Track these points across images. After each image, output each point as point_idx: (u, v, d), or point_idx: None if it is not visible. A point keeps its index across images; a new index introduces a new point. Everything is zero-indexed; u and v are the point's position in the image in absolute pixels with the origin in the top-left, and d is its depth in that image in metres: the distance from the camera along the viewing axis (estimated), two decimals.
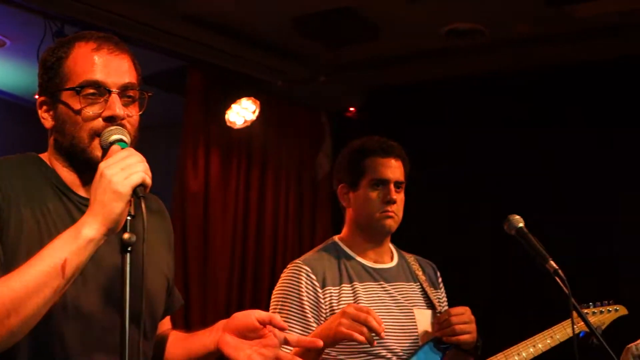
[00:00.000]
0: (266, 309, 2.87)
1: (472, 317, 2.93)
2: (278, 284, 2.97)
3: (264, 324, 2.07)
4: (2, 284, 1.74)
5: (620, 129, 5.37)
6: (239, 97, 5.62)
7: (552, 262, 2.58)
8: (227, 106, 5.62)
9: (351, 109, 6.38)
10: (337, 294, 2.90)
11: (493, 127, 5.77)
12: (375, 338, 2.66)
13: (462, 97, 5.85)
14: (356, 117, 6.37)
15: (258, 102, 5.67)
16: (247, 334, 2.07)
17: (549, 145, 5.61)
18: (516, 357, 3.02)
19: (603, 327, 3.27)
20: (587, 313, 3.21)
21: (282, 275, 2.99)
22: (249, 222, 5.97)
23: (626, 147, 5.39)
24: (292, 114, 6.22)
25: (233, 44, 5.55)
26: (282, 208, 6.16)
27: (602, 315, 3.27)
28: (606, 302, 3.32)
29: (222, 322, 2.14)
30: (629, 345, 3.61)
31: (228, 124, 5.66)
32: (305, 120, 6.30)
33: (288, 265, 3.01)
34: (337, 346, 2.79)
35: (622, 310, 3.32)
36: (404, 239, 3.26)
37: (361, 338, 2.59)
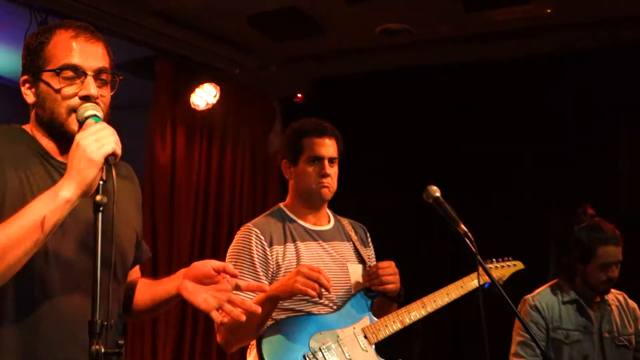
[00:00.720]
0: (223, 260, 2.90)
1: (396, 270, 3.00)
2: (232, 244, 3.02)
3: (218, 271, 2.09)
4: None
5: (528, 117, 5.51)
6: (202, 82, 5.62)
7: (462, 226, 2.63)
8: (192, 90, 5.62)
9: (299, 95, 6.44)
10: (282, 252, 2.95)
11: (418, 113, 5.85)
12: (324, 293, 2.76)
13: (393, 88, 5.90)
14: (303, 103, 6.41)
15: (218, 88, 5.67)
16: (204, 280, 2.09)
17: (464, 130, 5.75)
18: (433, 304, 3.04)
19: (504, 279, 3.33)
20: (490, 267, 3.27)
21: (236, 236, 3.03)
22: (210, 191, 5.98)
23: (525, 135, 5.53)
24: (248, 99, 6.22)
25: (197, 38, 5.52)
26: (239, 179, 6.17)
27: (503, 270, 3.34)
28: (507, 258, 3.40)
29: (182, 271, 2.16)
30: (526, 297, 3.69)
31: (192, 106, 5.66)
32: (259, 105, 6.32)
33: (241, 228, 3.05)
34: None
35: (520, 265, 3.41)
36: (341, 206, 3.32)
37: (313, 293, 2.68)
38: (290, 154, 3.10)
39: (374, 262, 3.21)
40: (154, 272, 5.11)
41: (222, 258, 3.05)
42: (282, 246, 2.97)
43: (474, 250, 2.61)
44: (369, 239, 3.30)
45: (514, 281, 3.45)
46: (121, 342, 1.71)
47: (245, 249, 2.94)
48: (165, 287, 2.19)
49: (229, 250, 3.02)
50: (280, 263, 2.94)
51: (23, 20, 4.62)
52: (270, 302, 2.74)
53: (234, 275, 2.12)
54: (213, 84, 5.67)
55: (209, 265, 2.10)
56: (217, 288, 2.10)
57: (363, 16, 5.15)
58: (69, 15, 4.63)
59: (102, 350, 1.65)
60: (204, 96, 5.68)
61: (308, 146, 3.04)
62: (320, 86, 6.35)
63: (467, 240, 2.61)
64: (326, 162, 3.04)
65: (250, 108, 6.23)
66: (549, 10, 5.00)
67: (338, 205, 3.30)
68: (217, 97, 5.71)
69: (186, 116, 5.80)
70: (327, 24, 5.31)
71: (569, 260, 3.67)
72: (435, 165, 5.59)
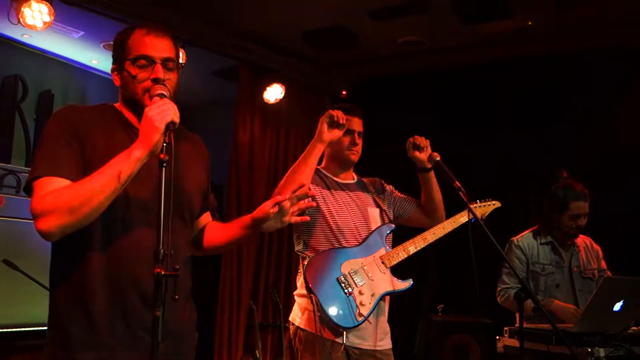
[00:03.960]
0: None
1: (427, 142, 2.90)
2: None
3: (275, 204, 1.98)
4: (79, 184, 1.69)
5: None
6: (271, 83, 5.53)
7: (457, 183, 2.55)
8: (264, 89, 5.54)
9: (343, 92, 6.27)
10: (327, 192, 2.88)
11: (432, 107, 5.57)
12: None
13: (413, 87, 5.68)
14: (346, 98, 6.27)
15: (284, 87, 5.58)
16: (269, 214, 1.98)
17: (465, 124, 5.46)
18: (432, 236, 2.90)
19: (486, 215, 3.12)
20: (475, 206, 3.09)
21: None
22: (278, 163, 5.87)
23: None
24: (305, 95, 6.12)
25: (266, 50, 5.50)
26: (299, 153, 5.97)
27: (485, 208, 3.13)
28: (488, 199, 3.17)
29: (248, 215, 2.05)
30: (512, 238, 3.52)
31: (264, 101, 5.58)
32: (313, 100, 6.20)
33: None
34: (309, 227, 2.80)
35: (497, 204, 3.18)
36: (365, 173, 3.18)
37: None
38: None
39: (397, 193, 3.11)
40: None
41: None
42: (328, 191, 2.91)
43: (465, 200, 2.56)
44: (384, 184, 3.13)
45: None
46: (177, 267, 1.55)
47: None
48: (238, 222, 2.06)
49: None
50: (319, 199, 2.85)
51: None
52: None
53: (282, 200, 1.98)
54: (279, 84, 5.57)
55: (266, 206, 1.99)
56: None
57: (388, 30, 5.00)
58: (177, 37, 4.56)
59: (162, 272, 1.54)
60: (273, 93, 5.59)
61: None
62: (359, 85, 6.15)
63: (461, 193, 2.54)
64: (356, 134, 2.94)
65: (306, 102, 6.11)
66: (530, 23, 4.73)
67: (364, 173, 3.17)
68: (283, 94, 5.62)
69: (260, 108, 5.70)
70: (360, 37, 5.19)
71: (547, 211, 3.48)
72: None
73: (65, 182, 1.73)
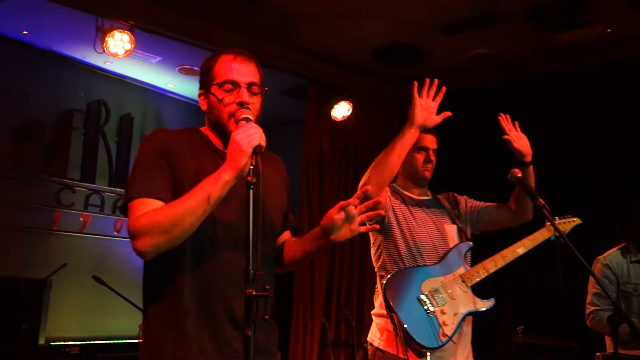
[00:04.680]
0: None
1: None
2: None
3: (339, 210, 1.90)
4: (171, 206, 1.74)
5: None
6: (339, 101, 5.54)
7: (540, 200, 2.47)
8: (332, 107, 5.56)
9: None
10: (405, 208, 2.81)
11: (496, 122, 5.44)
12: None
13: (484, 100, 5.55)
14: None
15: (351, 104, 5.59)
16: (336, 222, 1.90)
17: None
18: (511, 254, 2.79)
19: (566, 232, 2.98)
20: (558, 223, 2.97)
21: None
22: (349, 175, 5.85)
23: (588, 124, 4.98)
24: (373, 111, 6.08)
25: (335, 68, 5.50)
26: (367, 167, 5.96)
27: (565, 225, 3.02)
28: (567, 216, 3.06)
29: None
30: (598, 257, 3.39)
31: (332, 118, 5.59)
32: (381, 115, 6.14)
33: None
34: (387, 244, 2.72)
35: (578, 221, 3.06)
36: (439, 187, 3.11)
37: None
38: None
39: (472, 202, 3.02)
40: None
41: None
42: (406, 206, 2.83)
43: (550, 219, 2.47)
44: (457, 196, 3.05)
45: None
46: (267, 287, 1.58)
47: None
48: (309, 235, 2.03)
49: None
50: (398, 215, 2.77)
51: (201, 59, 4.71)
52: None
53: (347, 204, 1.89)
54: (347, 101, 5.58)
55: (331, 212, 1.91)
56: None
57: (457, 44, 4.92)
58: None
59: (253, 293, 1.57)
60: (341, 110, 5.61)
61: (418, 139, 2.78)
62: None
63: (545, 212, 2.47)
64: (430, 151, 2.89)
65: (375, 119, 6.07)
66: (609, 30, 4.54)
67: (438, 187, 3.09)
68: (350, 111, 5.62)
69: (329, 126, 5.73)
70: (429, 52, 5.12)
71: (635, 227, 3.31)
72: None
73: (158, 203, 1.78)
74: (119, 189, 5.65)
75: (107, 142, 5.65)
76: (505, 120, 2.84)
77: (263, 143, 1.73)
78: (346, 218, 1.90)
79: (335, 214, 1.89)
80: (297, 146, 5.65)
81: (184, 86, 5.91)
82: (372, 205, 1.93)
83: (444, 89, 2.59)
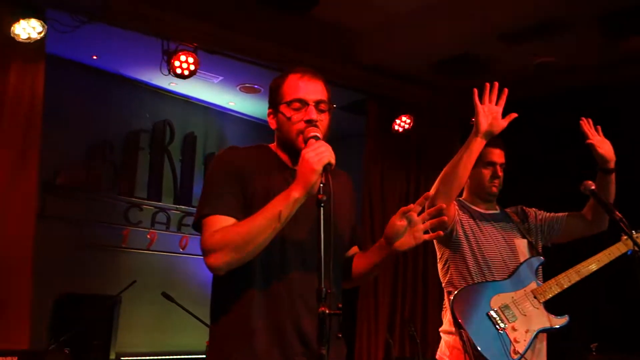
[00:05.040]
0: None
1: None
2: None
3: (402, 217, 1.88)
4: (243, 224, 1.79)
5: None
6: (400, 114, 5.55)
7: (617, 213, 2.43)
8: (392, 121, 5.57)
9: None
10: (473, 223, 2.79)
11: (568, 133, 5.31)
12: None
13: (549, 110, 5.44)
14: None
15: (412, 117, 5.58)
16: (399, 230, 1.88)
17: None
18: (585, 270, 2.73)
19: None
20: (636, 237, 2.91)
21: None
22: (410, 191, 5.85)
23: None
24: (434, 124, 6.05)
25: (394, 81, 5.53)
26: (431, 181, 5.87)
27: None
28: None
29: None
30: None
31: (393, 131, 5.61)
32: (443, 127, 6.09)
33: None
34: (455, 259, 2.71)
35: None
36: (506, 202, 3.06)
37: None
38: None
39: (542, 213, 2.95)
40: None
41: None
42: (474, 221, 2.80)
43: (628, 232, 2.46)
44: (526, 210, 2.99)
45: None
46: (340, 305, 1.62)
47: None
48: (374, 248, 2.02)
49: None
50: (466, 229, 2.76)
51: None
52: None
53: (408, 209, 1.88)
54: (408, 114, 5.58)
55: (394, 219, 1.91)
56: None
57: (521, 54, 4.87)
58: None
59: (327, 311, 1.59)
60: (402, 124, 5.61)
61: (485, 154, 2.79)
62: None
63: (622, 225, 2.45)
64: (498, 166, 2.85)
65: (436, 130, 6.05)
66: None
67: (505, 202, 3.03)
68: (411, 124, 5.61)
69: (390, 140, 5.74)
70: (492, 62, 5.09)
71: None
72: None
73: (230, 220, 1.83)
74: (183, 207, 5.86)
75: (172, 161, 5.88)
76: (587, 125, 2.77)
77: (333, 161, 1.76)
78: (409, 225, 1.89)
79: (398, 220, 1.89)
80: (358, 161, 5.70)
81: (245, 104, 6.09)
82: (435, 213, 1.90)
83: (505, 91, 2.52)
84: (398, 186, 5.81)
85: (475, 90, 2.50)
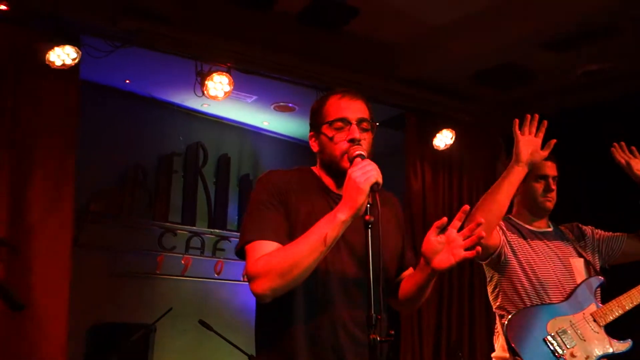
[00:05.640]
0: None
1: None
2: None
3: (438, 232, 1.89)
4: (288, 249, 1.80)
5: None
6: (441, 129, 5.53)
7: None
8: (433, 135, 5.55)
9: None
10: (523, 242, 2.77)
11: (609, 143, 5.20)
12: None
13: (598, 120, 5.36)
14: None
15: (454, 132, 5.55)
16: (436, 247, 1.88)
17: None
18: None
19: None
20: None
21: None
22: (453, 210, 5.71)
23: None
24: (478, 138, 6.02)
25: (434, 94, 5.52)
26: (474, 199, 5.84)
27: None
28: None
29: None
30: None
31: (434, 147, 5.59)
32: (486, 142, 6.07)
33: None
34: (506, 281, 2.66)
35: None
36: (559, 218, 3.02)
37: None
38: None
39: (599, 232, 2.95)
40: None
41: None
42: (524, 240, 2.77)
43: None
44: (582, 227, 2.98)
45: None
46: (391, 332, 1.64)
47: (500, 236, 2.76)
48: (418, 267, 2.01)
49: None
50: (516, 250, 2.73)
51: (312, 99, 4.84)
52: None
53: (443, 223, 1.89)
54: (449, 129, 5.56)
55: (428, 236, 1.91)
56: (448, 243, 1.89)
57: (565, 62, 4.84)
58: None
59: (378, 338, 1.62)
60: (443, 139, 5.59)
61: (537, 167, 2.77)
62: None
63: None
64: (550, 179, 2.84)
65: (479, 145, 6.02)
66: None
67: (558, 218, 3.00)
68: (453, 139, 5.59)
69: (430, 155, 5.73)
70: (535, 71, 5.06)
71: None
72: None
73: (274, 245, 1.84)
74: (218, 230, 5.91)
75: (206, 184, 5.95)
76: (619, 152, 2.75)
77: (380, 180, 1.77)
78: (447, 241, 1.88)
79: (433, 236, 1.89)
80: (397, 178, 5.69)
81: (279, 123, 6.15)
82: (475, 228, 1.88)
83: (545, 123, 2.59)
84: (440, 203, 5.78)
85: (516, 121, 2.56)
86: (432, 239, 1.89)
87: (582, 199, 4.90)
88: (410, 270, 2.17)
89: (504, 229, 2.77)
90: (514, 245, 2.74)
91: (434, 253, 1.88)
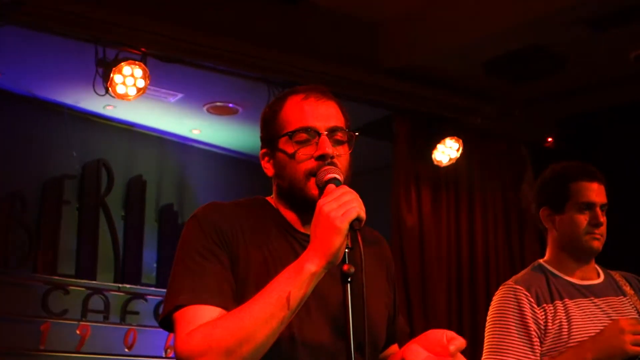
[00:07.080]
0: (483, 330, 2.85)
1: None
2: (494, 305, 2.84)
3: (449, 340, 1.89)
4: (235, 316, 1.77)
5: None
6: (443, 137, 5.65)
7: None
8: (433, 146, 5.66)
9: (549, 139, 6.26)
10: (552, 311, 2.78)
11: None
12: None
13: None
14: (554, 147, 6.24)
15: (460, 141, 5.68)
16: (436, 348, 1.90)
17: None
18: None
19: None
20: None
21: (496, 296, 2.86)
22: (462, 251, 5.91)
23: None
24: (493, 149, 6.16)
25: (432, 91, 5.65)
26: (492, 237, 6.02)
27: None
28: None
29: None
30: None
31: (435, 162, 5.70)
32: (506, 154, 6.22)
33: (500, 287, 2.87)
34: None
35: None
36: (605, 258, 3.06)
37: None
38: (554, 201, 2.93)
39: None
40: None
41: (481, 324, 2.95)
42: (551, 304, 2.80)
43: None
44: None
45: None
46: None
47: (512, 308, 2.79)
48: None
49: (492, 313, 2.85)
50: (549, 325, 2.78)
51: (260, 97, 4.91)
52: None
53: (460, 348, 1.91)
54: (454, 137, 5.69)
55: (444, 333, 1.92)
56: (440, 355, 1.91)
57: (612, 44, 4.99)
58: (303, 84, 4.86)
59: None
60: (446, 151, 5.72)
61: (577, 192, 2.86)
62: (569, 126, 6.16)
63: None
64: (598, 209, 2.86)
65: (496, 158, 6.16)
66: None
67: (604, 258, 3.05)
68: (460, 151, 5.72)
69: (430, 174, 5.85)
70: (570, 57, 5.21)
71: None
72: None
73: (216, 311, 1.83)
74: (128, 286, 5.89)
75: (112, 219, 5.92)
76: None
77: (363, 215, 1.75)
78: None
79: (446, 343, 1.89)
80: (383, 208, 5.73)
81: (215, 131, 6.18)
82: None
83: None
84: (444, 238, 5.88)
85: None
86: (438, 349, 1.89)
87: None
88: (395, 346, 2.20)
89: (533, 304, 2.79)
90: (549, 326, 2.77)
91: (420, 354, 1.91)
